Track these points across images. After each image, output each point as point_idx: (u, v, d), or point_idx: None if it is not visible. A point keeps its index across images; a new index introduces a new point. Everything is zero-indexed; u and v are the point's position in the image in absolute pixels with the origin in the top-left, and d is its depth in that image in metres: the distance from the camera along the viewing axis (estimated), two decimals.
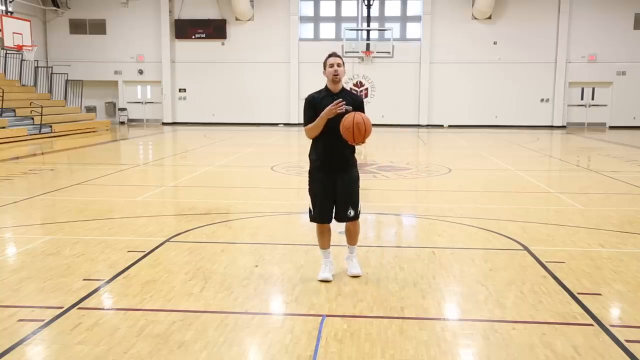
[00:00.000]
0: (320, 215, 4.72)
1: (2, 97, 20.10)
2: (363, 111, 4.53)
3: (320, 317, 3.97)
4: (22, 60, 24.04)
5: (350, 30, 26.84)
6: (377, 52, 26.70)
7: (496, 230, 6.52)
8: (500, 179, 10.95)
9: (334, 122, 4.44)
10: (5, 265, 5.22)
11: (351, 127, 4.34)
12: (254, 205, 8.04)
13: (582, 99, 28.07)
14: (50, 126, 21.01)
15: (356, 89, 27.74)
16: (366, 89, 28.14)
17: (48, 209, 7.81)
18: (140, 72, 29.05)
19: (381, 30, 27.48)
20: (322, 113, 4.46)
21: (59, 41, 28.87)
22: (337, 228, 5.18)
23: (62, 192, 9.06)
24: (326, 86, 4.67)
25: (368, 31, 26.89)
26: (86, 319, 3.91)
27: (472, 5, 27.18)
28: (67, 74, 25.98)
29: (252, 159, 14.40)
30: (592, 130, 26.72)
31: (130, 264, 5.14)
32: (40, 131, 20.30)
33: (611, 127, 27.57)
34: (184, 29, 28.34)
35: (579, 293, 4.46)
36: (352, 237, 4.87)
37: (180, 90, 29.13)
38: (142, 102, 29.65)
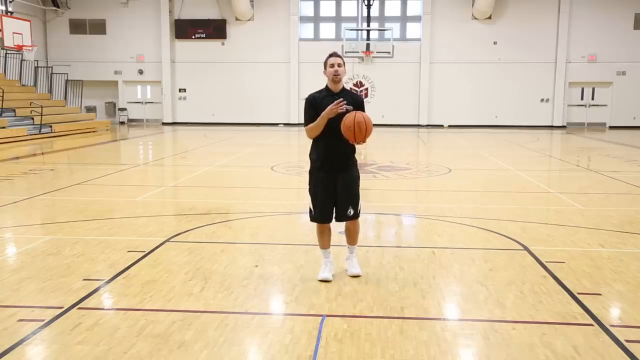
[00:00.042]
0: (320, 215, 4.72)
1: (2, 97, 20.10)
2: (363, 111, 4.54)
3: (320, 317, 3.97)
4: (22, 60, 24.04)
5: (350, 30, 26.84)
6: (377, 52, 26.70)
7: (496, 230, 6.52)
8: (500, 179, 10.95)
9: (335, 121, 4.44)
10: (5, 265, 5.22)
11: (352, 126, 4.34)
12: (254, 205, 8.04)
13: (582, 99, 28.07)
14: (50, 126, 21.02)
15: (356, 89, 27.73)
16: (366, 89, 28.13)
17: (48, 209, 7.81)
18: (140, 72, 29.05)
19: (381, 30, 27.49)
20: (323, 113, 4.46)
21: (59, 41, 28.87)
22: (337, 228, 5.18)
23: (62, 192, 9.06)
24: (327, 86, 4.67)
25: (368, 31, 26.89)
26: (86, 319, 3.91)
27: (472, 5, 27.18)
28: (67, 74, 25.98)
29: (252, 159, 14.40)
30: (592, 130, 26.72)
31: (130, 264, 5.14)
32: (40, 131, 20.30)
33: (611, 127, 27.57)
34: (184, 29, 28.34)
35: (579, 293, 4.46)
36: (351, 237, 4.87)
37: (180, 90, 29.13)
38: (142, 102, 29.65)
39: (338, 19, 28.24)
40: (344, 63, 4.64)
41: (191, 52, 28.53)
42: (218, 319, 3.92)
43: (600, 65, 27.32)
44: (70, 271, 4.94)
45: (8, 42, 21.66)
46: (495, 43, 27.46)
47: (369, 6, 26.79)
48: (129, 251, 5.56)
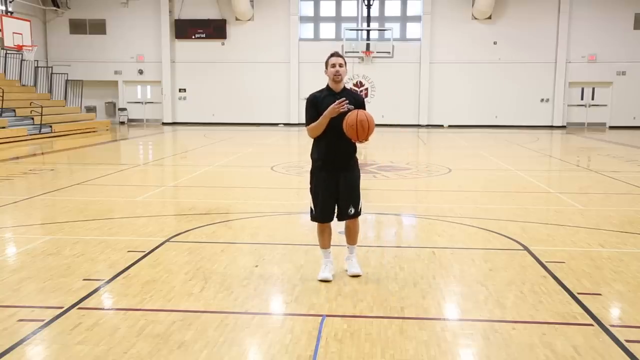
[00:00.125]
0: (321, 214, 4.72)
1: (2, 97, 20.10)
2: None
3: (320, 317, 3.97)
4: (22, 60, 24.04)
5: (350, 30, 26.84)
6: (377, 52, 26.70)
7: (496, 230, 6.52)
8: (500, 179, 10.95)
9: (337, 121, 4.45)
10: (5, 265, 5.22)
11: (355, 125, 4.34)
12: (254, 205, 8.04)
13: (582, 99, 28.07)
14: (50, 126, 21.01)
15: (356, 89, 27.71)
16: (366, 89, 28.13)
17: (48, 209, 7.81)
18: (140, 72, 29.05)
19: (381, 30, 27.48)
20: (325, 112, 4.46)
21: (59, 41, 28.87)
22: (337, 228, 5.18)
23: (62, 192, 9.06)
24: (328, 86, 4.68)
25: (368, 31, 26.89)
26: (86, 319, 3.91)
27: (472, 5, 27.18)
28: (67, 74, 25.98)
29: (252, 159, 14.39)
30: (592, 130, 26.72)
31: (130, 264, 5.14)
32: (40, 131, 20.30)
33: (611, 127, 27.57)
34: (184, 29, 28.34)
35: (579, 293, 4.46)
36: (351, 236, 4.87)
37: (180, 90, 29.13)
38: (142, 102, 29.65)
39: (338, 19, 28.24)
40: (345, 63, 4.64)
41: (191, 52, 28.53)
42: (218, 319, 3.92)
43: (600, 65, 27.33)
44: (70, 271, 4.94)
45: (8, 42, 21.67)
46: (495, 43, 27.46)
47: (369, 6, 26.79)
48: (129, 251, 5.56)
